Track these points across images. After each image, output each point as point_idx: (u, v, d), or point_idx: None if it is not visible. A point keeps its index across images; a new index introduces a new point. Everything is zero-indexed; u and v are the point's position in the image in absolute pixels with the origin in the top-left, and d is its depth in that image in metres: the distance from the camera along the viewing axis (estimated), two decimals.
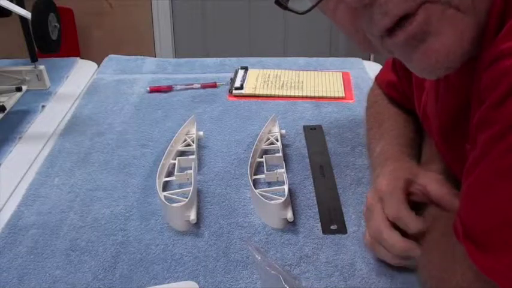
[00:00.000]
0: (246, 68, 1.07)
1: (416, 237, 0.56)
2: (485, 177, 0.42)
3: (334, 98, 0.97)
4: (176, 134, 0.81)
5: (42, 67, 1.02)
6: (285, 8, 0.48)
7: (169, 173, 0.75)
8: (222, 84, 1.02)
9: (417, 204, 0.62)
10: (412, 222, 0.56)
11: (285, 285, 0.54)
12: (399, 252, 0.56)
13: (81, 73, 1.12)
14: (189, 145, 0.80)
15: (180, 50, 2.55)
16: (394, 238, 0.56)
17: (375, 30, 0.46)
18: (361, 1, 0.44)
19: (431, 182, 0.59)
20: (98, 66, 1.15)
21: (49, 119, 0.93)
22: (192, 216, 0.64)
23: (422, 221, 0.56)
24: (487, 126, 0.41)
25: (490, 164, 0.41)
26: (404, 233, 0.56)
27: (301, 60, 1.14)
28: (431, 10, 0.43)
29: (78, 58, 1.18)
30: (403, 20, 0.44)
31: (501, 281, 0.41)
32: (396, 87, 0.76)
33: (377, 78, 0.83)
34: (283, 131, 0.83)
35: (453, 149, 0.59)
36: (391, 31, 0.45)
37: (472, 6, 0.43)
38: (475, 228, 0.43)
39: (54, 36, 0.89)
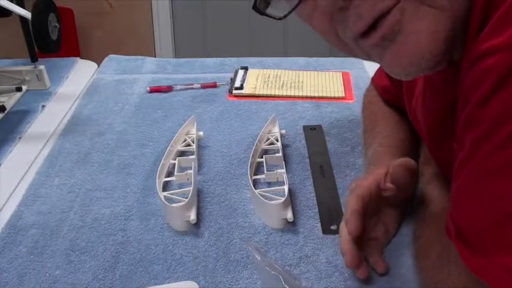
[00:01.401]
0: (246, 68, 1.07)
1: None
2: (473, 178, 0.42)
3: (334, 98, 0.97)
4: (176, 134, 0.81)
5: (42, 67, 1.02)
6: (263, 13, 0.48)
7: (169, 173, 0.75)
8: (222, 84, 1.02)
9: (417, 204, 0.62)
10: (347, 214, 0.57)
11: (285, 285, 0.54)
12: (341, 250, 0.58)
13: (81, 73, 1.12)
14: (189, 145, 0.80)
15: (180, 50, 2.55)
16: (342, 237, 0.58)
17: (349, 33, 0.46)
18: (335, 5, 0.44)
19: (390, 167, 0.60)
20: (98, 66, 1.15)
21: (49, 119, 0.93)
22: (192, 216, 0.64)
23: (354, 216, 0.57)
24: (473, 126, 0.41)
25: (477, 165, 0.41)
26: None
27: (301, 60, 1.14)
28: (405, 7, 0.42)
29: (78, 58, 1.18)
30: (377, 21, 0.44)
31: (492, 282, 0.41)
32: (390, 90, 0.77)
33: (373, 80, 0.84)
34: (283, 131, 0.83)
35: (442, 151, 0.59)
36: (365, 34, 0.45)
37: (448, 4, 0.42)
38: (466, 228, 0.43)
39: (54, 36, 0.89)
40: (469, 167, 0.42)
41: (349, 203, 0.58)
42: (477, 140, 0.41)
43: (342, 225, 0.59)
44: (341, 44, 0.49)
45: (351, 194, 0.60)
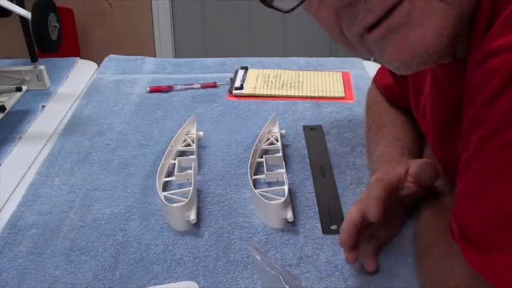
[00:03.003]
0: (246, 68, 1.07)
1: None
2: (478, 178, 0.42)
3: (334, 98, 0.97)
4: (176, 134, 0.81)
5: (42, 67, 1.02)
6: (270, 6, 0.48)
7: (169, 173, 0.75)
8: (222, 84, 1.02)
9: (417, 205, 0.62)
10: (372, 200, 0.56)
11: (285, 285, 0.54)
12: (341, 233, 0.56)
13: (81, 73, 1.12)
14: (189, 145, 0.80)
15: (180, 50, 2.55)
16: (347, 218, 0.56)
17: (357, 28, 0.45)
18: (343, 0, 0.44)
19: (413, 166, 0.60)
20: (98, 66, 1.15)
21: (49, 119, 0.93)
22: (192, 216, 0.64)
23: (379, 209, 0.55)
24: (479, 125, 0.41)
25: (482, 164, 0.41)
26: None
27: (301, 60, 1.14)
28: (416, 0, 0.42)
29: (78, 58, 1.18)
30: (386, 14, 0.43)
31: (496, 281, 0.41)
32: (393, 90, 0.76)
33: (375, 79, 0.84)
34: (283, 131, 0.83)
35: (447, 151, 0.59)
36: (371, 27, 0.45)
37: (457, 0, 0.42)
38: (470, 228, 0.43)
39: (54, 36, 0.89)
40: (473, 166, 0.42)
41: (373, 189, 0.57)
42: (482, 140, 0.41)
43: (352, 208, 0.57)
44: (344, 40, 0.48)
45: (375, 183, 0.58)
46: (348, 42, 0.48)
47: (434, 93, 0.59)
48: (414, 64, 0.45)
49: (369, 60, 1.19)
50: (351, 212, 0.56)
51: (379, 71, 0.83)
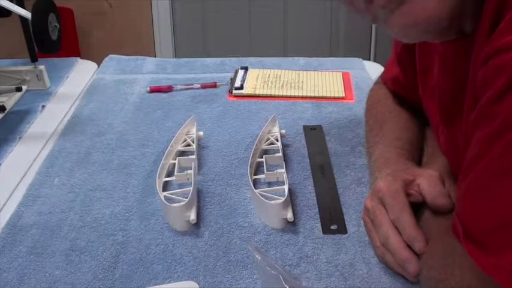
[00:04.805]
0: (246, 68, 1.07)
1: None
2: (484, 177, 0.42)
3: (334, 98, 0.97)
4: (176, 134, 0.81)
5: (42, 67, 1.02)
6: None
7: (169, 173, 0.75)
8: (222, 84, 1.02)
9: (417, 205, 0.62)
10: (408, 229, 0.56)
11: (285, 285, 0.54)
12: (398, 260, 0.56)
13: (81, 73, 1.12)
14: (189, 145, 0.80)
15: (180, 50, 2.55)
16: (397, 244, 0.56)
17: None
18: None
19: (424, 182, 0.59)
20: (98, 66, 1.15)
21: (49, 119, 0.93)
22: (192, 216, 0.64)
23: (420, 231, 0.55)
24: (485, 122, 0.41)
25: (488, 164, 0.41)
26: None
27: (301, 60, 1.14)
28: None
29: (78, 58, 1.18)
30: None
31: (503, 280, 0.41)
32: (400, 80, 0.76)
33: (382, 76, 0.83)
34: (283, 131, 0.83)
35: (451, 133, 0.59)
36: None
37: None
38: (476, 228, 0.43)
39: (54, 36, 0.89)
40: (479, 165, 0.42)
41: (405, 216, 0.57)
42: (489, 138, 0.41)
43: (388, 230, 0.57)
44: (351, 4, 0.49)
45: (395, 198, 0.58)
46: (353, 5, 0.49)
47: (441, 72, 0.58)
48: (414, 32, 0.48)
49: (369, 60, 1.19)
50: (391, 237, 0.56)
51: (385, 68, 0.83)
